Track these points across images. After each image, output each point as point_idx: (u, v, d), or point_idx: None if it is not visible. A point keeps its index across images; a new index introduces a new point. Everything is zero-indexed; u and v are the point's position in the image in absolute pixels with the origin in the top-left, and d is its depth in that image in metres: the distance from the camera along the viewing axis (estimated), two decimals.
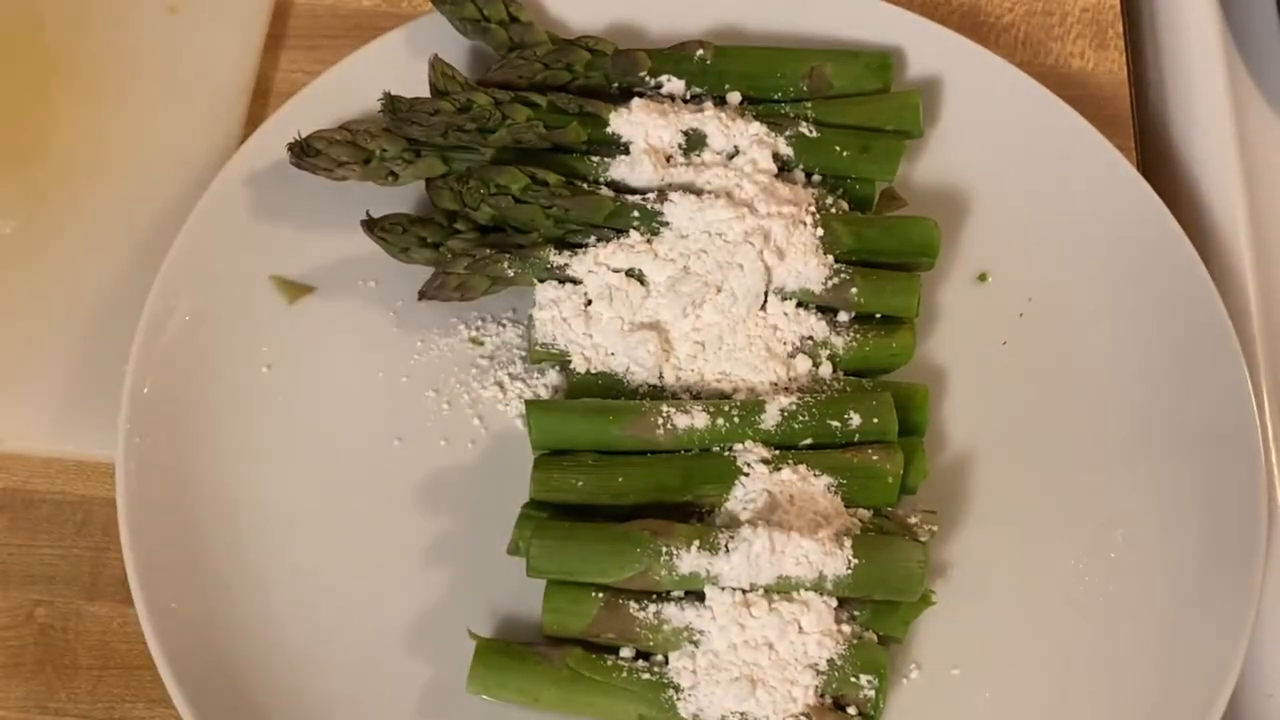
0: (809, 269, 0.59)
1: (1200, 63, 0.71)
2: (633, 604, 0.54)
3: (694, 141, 0.62)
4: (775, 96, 0.64)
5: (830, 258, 0.60)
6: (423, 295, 0.60)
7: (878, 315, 0.60)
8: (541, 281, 0.60)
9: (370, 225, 0.60)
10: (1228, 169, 0.68)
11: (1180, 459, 0.59)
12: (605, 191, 0.61)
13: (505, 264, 0.60)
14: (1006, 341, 0.62)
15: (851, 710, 0.53)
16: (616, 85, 0.64)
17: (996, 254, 0.64)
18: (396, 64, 0.64)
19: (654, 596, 0.55)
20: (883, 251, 0.61)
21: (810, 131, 0.63)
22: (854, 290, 0.60)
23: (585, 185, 0.61)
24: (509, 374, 0.61)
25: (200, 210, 0.62)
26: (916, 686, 0.55)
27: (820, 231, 0.60)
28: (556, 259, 0.60)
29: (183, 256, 0.61)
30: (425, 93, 0.62)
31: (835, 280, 0.60)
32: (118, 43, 0.69)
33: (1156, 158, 0.71)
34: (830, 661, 0.53)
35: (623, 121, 0.62)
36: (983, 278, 0.64)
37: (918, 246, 0.61)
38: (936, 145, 0.66)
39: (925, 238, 0.61)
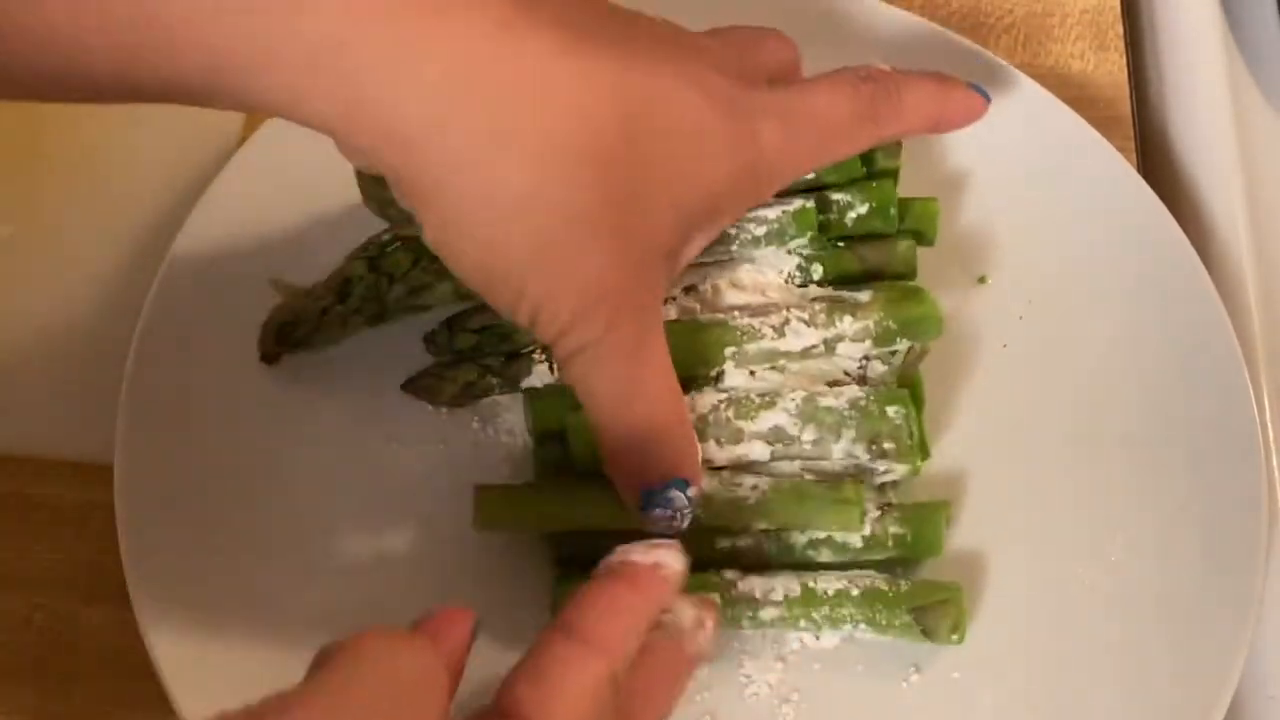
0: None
1: (1200, 63, 0.71)
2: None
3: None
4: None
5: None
6: (407, 388, 0.60)
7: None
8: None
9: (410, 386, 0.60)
10: (1228, 169, 0.68)
11: (1180, 460, 0.59)
12: None
13: (495, 382, 0.59)
14: (1006, 344, 0.62)
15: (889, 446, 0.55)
16: None
17: (996, 256, 0.64)
18: None
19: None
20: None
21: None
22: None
23: None
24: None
25: (199, 212, 0.62)
26: (916, 689, 0.55)
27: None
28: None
29: (181, 259, 0.61)
30: None
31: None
32: None
33: (1156, 158, 0.71)
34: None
35: None
36: (982, 280, 0.64)
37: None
38: (936, 147, 0.65)
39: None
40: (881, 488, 0.57)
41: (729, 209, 0.49)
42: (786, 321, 0.57)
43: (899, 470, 0.56)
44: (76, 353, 0.62)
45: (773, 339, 0.57)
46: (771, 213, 0.58)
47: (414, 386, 0.60)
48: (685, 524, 0.51)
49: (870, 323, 0.57)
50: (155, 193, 0.65)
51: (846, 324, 0.57)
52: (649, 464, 0.49)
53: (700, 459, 0.52)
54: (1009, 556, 0.58)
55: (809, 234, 0.59)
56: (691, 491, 0.50)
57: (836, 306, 0.57)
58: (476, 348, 0.59)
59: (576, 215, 0.43)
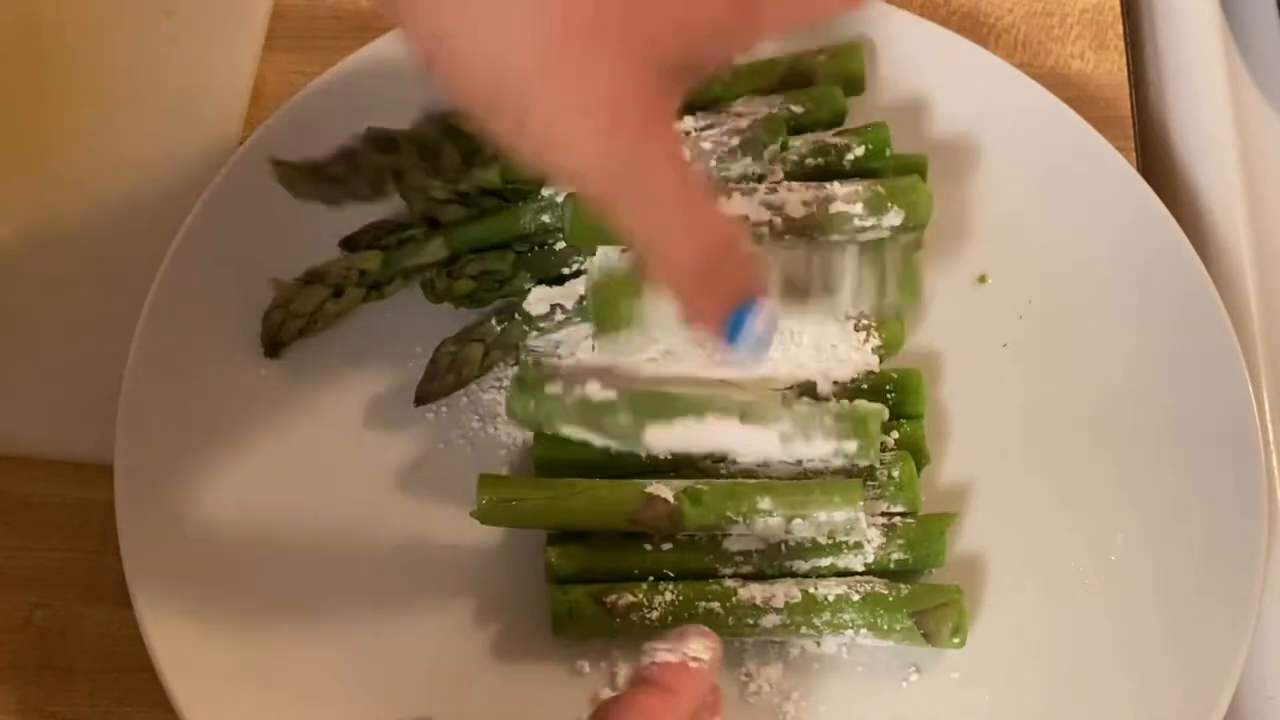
0: None
1: (1200, 63, 0.71)
2: None
3: None
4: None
5: None
6: (421, 400, 0.60)
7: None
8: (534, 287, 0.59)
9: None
10: (1228, 169, 0.68)
11: (1180, 460, 0.59)
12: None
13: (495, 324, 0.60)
14: (1007, 344, 0.62)
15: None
16: None
17: (996, 256, 0.64)
18: (395, 66, 0.64)
19: None
20: None
21: None
22: None
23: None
24: (509, 375, 0.61)
25: (198, 213, 0.62)
26: (916, 689, 0.55)
27: None
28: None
29: (181, 259, 0.61)
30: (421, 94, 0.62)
31: None
32: (115, 46, 0.69)
33: (1156, 158, 0.71)
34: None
35: None
36: (982, 279, 0.63)
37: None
38: (935, 147, 0.65)
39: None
40: (886, 508, 0.57)
41: (732, 38, 0.47)
42: (774, 191, 0.57)
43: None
44: (76, 353, 0.62)
45: (765, 195, 0.57)
46: (744, 122, 0.59)
47: (429, 393, 0.59)
48: (772, 345, 0.47)
49: (860, 187, 0.58)
50: (155, 193, 0.65)
51: (836, 186, 0.58)
52: (725, 287, 0.46)
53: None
54: (1009, 556, 0.58)
55: (780, 139, 0.59)
56: (769, 308, 0.47)
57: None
58: (473, 294, 0.59)
59: (579, 15, 0.40)
